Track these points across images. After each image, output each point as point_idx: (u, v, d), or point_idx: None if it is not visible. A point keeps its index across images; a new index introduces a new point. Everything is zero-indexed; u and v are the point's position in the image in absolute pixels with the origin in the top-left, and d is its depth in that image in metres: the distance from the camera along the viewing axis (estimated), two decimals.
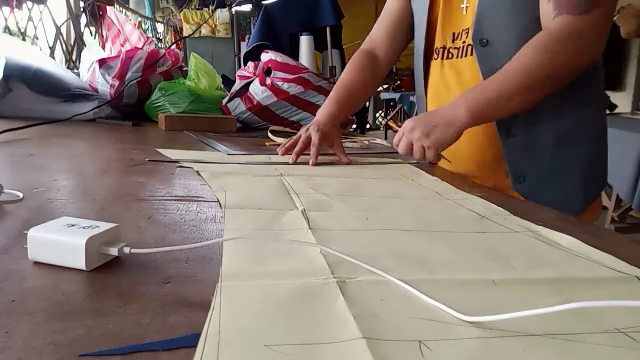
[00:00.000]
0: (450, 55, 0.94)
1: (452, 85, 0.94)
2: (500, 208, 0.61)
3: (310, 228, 0.49)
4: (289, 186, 0.68)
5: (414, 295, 0.34)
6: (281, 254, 0.41)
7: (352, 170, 0.86)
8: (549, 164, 0.88)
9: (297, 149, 0.90)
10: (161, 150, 0.90)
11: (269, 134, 1.19)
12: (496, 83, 0.80)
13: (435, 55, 0.97)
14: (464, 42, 0.91)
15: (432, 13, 0.96)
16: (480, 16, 0.86)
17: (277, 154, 0.95)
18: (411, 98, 5.59)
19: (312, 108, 1.38)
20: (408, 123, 0.84)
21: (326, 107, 1.01)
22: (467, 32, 0.89)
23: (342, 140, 1.21)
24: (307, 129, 0.94)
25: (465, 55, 0.91)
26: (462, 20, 0.91)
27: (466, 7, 0.90)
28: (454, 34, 0.93)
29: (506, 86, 0.79)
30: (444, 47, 0.95)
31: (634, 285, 0.39)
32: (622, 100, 4.15)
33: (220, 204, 0.57)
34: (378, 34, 1.10)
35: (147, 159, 0.84)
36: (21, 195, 0.52)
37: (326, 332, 0.29)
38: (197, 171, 0.75)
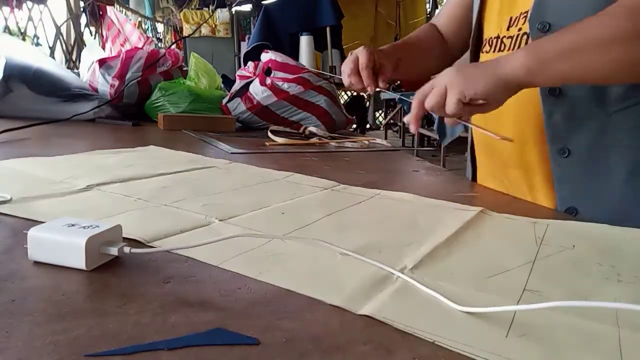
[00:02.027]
0: (502, 47, 0.75)
1: None
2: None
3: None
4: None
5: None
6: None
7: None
8: (616, 200, 0.67)
9: (347, 70, 0.79)
10: None
11: (269, 134, 1.19)
12: (574, 31, 0.58)
13: (487, 47, 0.79)
14: (519, 29, 0.72)
15: None
16: None
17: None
18: (411, 98, 5.58)
19: (312, 108, 1.38)
20: (444, 71, 0.64)
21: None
22: (526, 16, 0.71)
23: (343, 141, 1.21)
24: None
25: (520, 47, 0.71)
26: (521, 1, 0.73)
27: None
28: (510, 19, 0.75)
29: (589, 32, 0.57)
30: (497, 37, 0.76)
31: None
32: None
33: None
34: (442, 18, 0.96)
35: None
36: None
37: None
38: None
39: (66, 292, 0.33)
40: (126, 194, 0.59)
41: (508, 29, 0.75)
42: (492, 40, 0.78)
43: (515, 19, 0.74)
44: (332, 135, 1.31)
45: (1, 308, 0.30)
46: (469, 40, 0.86)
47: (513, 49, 0.72)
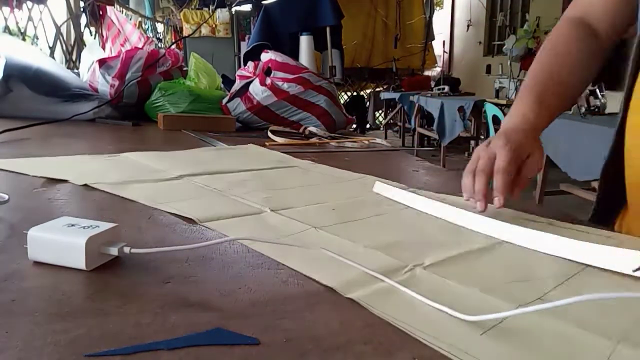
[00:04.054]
0: None
1: None
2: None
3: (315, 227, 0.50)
4: None
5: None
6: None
7: None
8: None
9: (478, 186, 0.55)
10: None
11: (269, 134, 1.19)
12: None
13: None
14: None
15: None
16: None
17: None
18: (411, 98, 5.57)
19: (312, 108, 1.38)
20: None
21: (518, 105, 0.63)
22: None
23: (343, 141, 1.21)
24: (489, 144, 0.58)
25: None
26: None
27: None
28: None
29: None
30: None
31: None
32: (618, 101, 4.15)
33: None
34: (594, 8, 0.70)
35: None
36: (6, 197, 0.52)
37: None
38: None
39: (66, 292, 0.33)
40: (206, 184, 0.66)
41: None
42: None
43: None
44: (332, 135, 1.31)
45: (1, 308, 0.30)
46: (617, 38, 0.70)
47: None
